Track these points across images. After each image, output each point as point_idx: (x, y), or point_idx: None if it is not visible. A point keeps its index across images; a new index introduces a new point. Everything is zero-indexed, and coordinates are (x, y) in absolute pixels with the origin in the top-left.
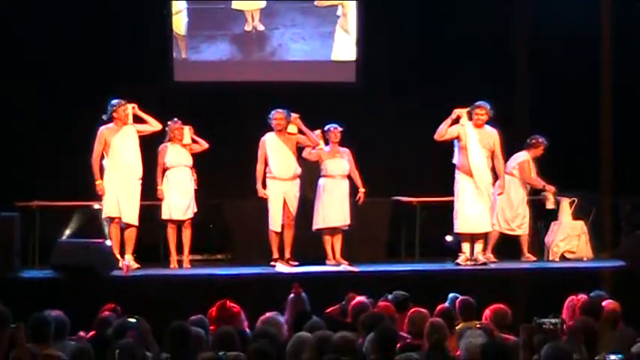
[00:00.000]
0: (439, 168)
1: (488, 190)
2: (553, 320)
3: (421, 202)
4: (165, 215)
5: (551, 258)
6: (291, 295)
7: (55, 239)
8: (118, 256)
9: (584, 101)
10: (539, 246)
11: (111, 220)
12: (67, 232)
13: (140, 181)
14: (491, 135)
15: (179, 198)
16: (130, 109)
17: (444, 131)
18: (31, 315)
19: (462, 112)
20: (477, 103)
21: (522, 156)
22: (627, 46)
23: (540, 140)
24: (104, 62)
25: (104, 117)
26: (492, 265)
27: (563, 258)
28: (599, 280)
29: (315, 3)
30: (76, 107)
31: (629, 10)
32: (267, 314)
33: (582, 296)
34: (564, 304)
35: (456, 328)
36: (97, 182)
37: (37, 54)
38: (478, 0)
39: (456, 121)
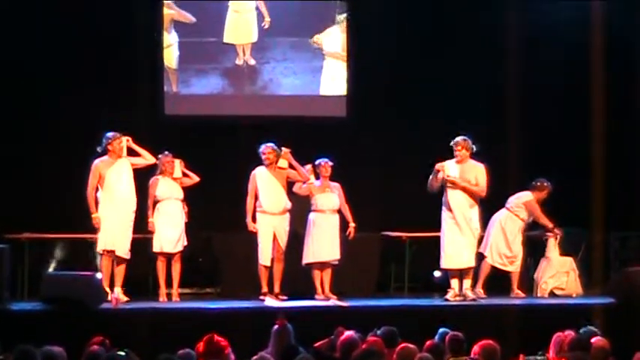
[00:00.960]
0: (429, 203)
1: (470, 225)
2: (539, 358)
3: (411, 237)
4: (156, 248)
5: (539, 294)
6: (275, 327)
7: (44, 271)
8: (107, 289)
9: (577, 136)
10: (528, 282)
11: (106, 252)
12: (52, 264)
13: (134, 215)
14: (474, 168)
15: (170, 231)
16: (125, 142)
17: (434, 185)
18: (16, 347)
19: (442, 165)
20: (454, 141)
21: (527, 196)
22: (620, 71)
23: (546, 184)
24: (95, 95)
25: (98, 149)
26: (482, 301)
27: (552, 294)
28: (588, 317)
29: (311, 41)
30: (65, 140)
31: (624, 32)
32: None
33: (569, 332)
34: (551, 341)
35: None
36: (93, 215)
37: (24, 85)
38: (467, 34)
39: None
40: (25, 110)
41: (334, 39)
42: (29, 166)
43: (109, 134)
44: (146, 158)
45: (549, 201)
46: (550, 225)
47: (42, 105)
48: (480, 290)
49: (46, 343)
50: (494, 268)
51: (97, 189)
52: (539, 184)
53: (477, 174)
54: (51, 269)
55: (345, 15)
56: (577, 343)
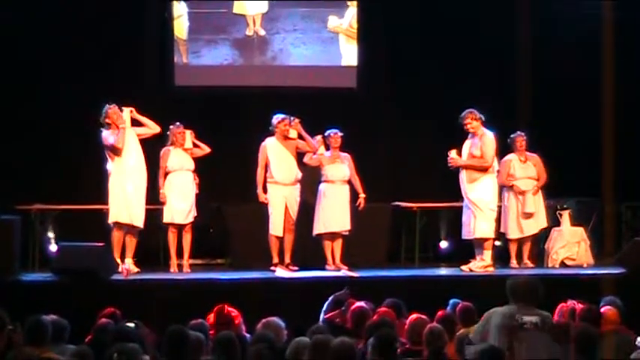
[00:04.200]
0: (439, 174)
1: (473, 198)
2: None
3: (421, 207)
4: (167, 219)
5: (550, 265)
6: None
7: (48, 243)
8: (118, 260)
9: (587, 106)
10: (538, 253)
11: (117, 224)
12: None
13: (145, 185)
14: (481, 139)
15: (181, 202)
16: (128, 112)
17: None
18: (27, 318)
19: (452, 152)
20: (460, 117)
21: (505, 157)
22: (630, 51)
23: (512, 136)
24: (105, 66)
25: (101, 120)
26: (492, 271)
27: (563, 265)
28: (599, 287)
29: (328, 27)
30: (76, 111)
31: (632, 17)
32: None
33: (572, 302)
34: (555, 311)
35: (457, 334)
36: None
37: (37, 57)
38: (479, 6)
39: (460, 152)
40: (34, 82)
41: (345, 15)
42: (39, 138)
43: (106, 106)
44: (150, 127)
45: (562, 171)
46: (508, 184)
47: (51, 77)
48: (514, 262)
49: (57, 315)
50: (522, 239)
51: (106, 160)
52: (509, 140)
53: (482, 144)
54: (51, 240)
55: None
56: (587, 313)
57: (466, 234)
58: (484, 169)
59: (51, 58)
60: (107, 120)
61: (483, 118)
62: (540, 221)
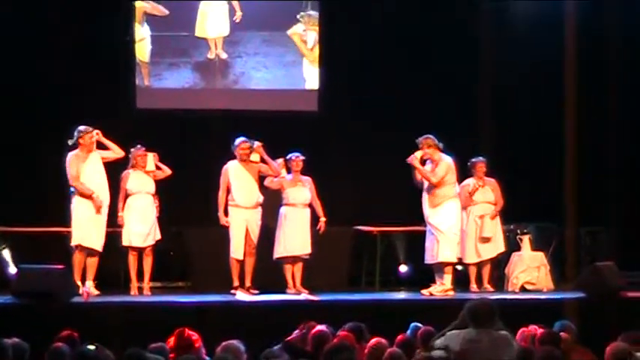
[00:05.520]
0: (400, 198)
1: (434, 223)
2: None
3: (382, 231)
4: (125, 242)
5: (510, 289)
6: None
7: (16, 265)
8: (79, 283)
9: (548, 133)
10: (498, 277)
11: (79, 247)
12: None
13: (107, 209)
14: (438, 164)
15: (140, 225)
16: (95, 135)
17: (416, 178)
18: None
19: (418, 152)
20: (417, 141)
21: (464, 182)
22: (591, 79)
23: (473, 160)
24: (66, 89)
25: (70, 142)
26: (452, 295)
27: (523, 289)
28: (559, 312)
29: (288, 32)
30: (37, 133)
31: (595, 49)
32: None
33: (533, 327)
34: (516, 337)
35: (416, 358)
36: (93, 195)
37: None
38: (441, 30)
39: (423, 162)
40: None
41: (306, 36)
42: (1, 160)
43: (81, 128)
44: (115, 152)
45: (522, 196)
46: (469, 205)
47: (12, 100)
48: (474, 286)
49: (17, 337)
50: (481, 263)
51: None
52: (469, 164)
53: (438, 166)
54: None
55: (309, 12)
56: (547, 337)
57: (429, 259)
58: (432, 186)
59: (11, 79)
60: (81, 140)
61: (441, 146)
62: (498, 245)
